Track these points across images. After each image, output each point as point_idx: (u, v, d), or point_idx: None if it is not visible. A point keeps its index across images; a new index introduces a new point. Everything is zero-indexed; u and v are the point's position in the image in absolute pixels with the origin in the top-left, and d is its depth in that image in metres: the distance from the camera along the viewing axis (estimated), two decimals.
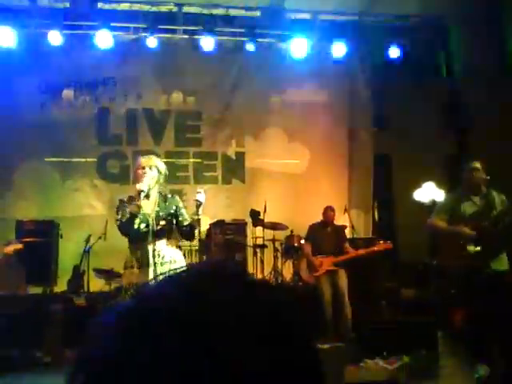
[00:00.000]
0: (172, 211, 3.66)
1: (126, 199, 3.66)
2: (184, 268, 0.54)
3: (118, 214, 3.63)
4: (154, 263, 3.53)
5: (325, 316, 5.77)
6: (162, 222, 3.61)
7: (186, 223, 3.66)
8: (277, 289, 0.55)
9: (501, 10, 8.66)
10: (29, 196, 7.52)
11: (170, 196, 3.75)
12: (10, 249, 5.72)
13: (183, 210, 3.73)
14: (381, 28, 8.08)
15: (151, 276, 3.48)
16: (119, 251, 7.36)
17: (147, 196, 3.61)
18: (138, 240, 3.57)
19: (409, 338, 5.00)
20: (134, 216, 3.53)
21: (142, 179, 3.59)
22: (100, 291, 6.06)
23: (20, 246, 5.73)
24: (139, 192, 3.55)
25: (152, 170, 3.64)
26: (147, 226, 3.56)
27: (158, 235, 3.58)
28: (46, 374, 5.03)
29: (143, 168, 3.63)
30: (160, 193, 3.72)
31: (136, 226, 3.54)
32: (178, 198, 3.79)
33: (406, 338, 4.99)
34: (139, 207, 3.56)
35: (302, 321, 0.52)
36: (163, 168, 3.74)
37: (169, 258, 3.59)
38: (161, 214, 3.62)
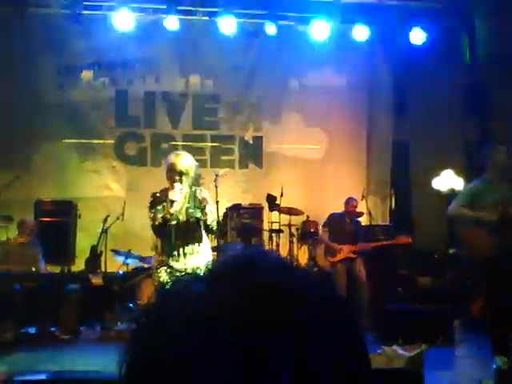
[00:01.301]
0: (202, 207, 3.72)
1: (158, 194, 3.75)
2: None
3: (150, 212, 3.74)
4: (184, 254, 3.68)
5: None
6: (192, 219, 3.71)
7: (209, 222, 3.72)
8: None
9: None
10: (47, 177, 7.57)
11: (199, 191, 3.82)
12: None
13: (209, 208, 3.76)
14: (404, 12, 7.90)
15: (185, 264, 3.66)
16: (137, 233, 7.48)
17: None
18: (169, 235, 3.70)
19: (425, 326, 4.97)
20: (166, 220, 3.66)
21: (175, 188, 3.65)
22: (117, 271, 6.11)
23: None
24: (172, 201, 3.64)
25: (187, 177, 3.71)
26: (177, 222, 3.69)
27: (188, 229, 3.71)
28: (63, 351, 5.12)
29: (179, 175, 3.66)
30: (190, 187, 3.78)
31: (167, 227, 3.68)
32: (206, 193, 3.86)
33: (422, 326, 4.95)
34: (171, 214, 3.66)
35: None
36: (195, 167, 3.81)
37: (197, 247, 3.73)
38: (190, 210, 3.71)
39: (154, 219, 3.70)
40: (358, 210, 6.73)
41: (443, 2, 7.98)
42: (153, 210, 3.72)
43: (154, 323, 0.46)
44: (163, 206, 3.70)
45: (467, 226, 4.06)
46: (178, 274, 3.64)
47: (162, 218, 3.65)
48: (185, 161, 3.75)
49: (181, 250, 3.68)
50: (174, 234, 3.68)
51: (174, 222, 3.67)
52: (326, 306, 0.47)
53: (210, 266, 3.68)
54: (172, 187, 3.68)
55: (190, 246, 3.71)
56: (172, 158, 3.79)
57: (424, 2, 8.01)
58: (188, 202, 3.72)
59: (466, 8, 8.31)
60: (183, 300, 0.46)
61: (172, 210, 3.65)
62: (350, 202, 6.25)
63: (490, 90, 8.20)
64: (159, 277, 3.75)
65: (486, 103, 8.17)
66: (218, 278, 0.47)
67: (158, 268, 3.80)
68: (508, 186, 4.01)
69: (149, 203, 3.79)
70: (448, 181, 7.89)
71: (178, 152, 4.01)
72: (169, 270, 3.70)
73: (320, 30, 7.72)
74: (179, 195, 3.66)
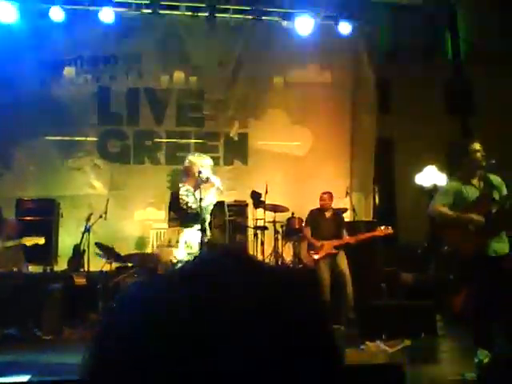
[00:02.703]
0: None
1: (188, 185, 4.03)
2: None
3: (187, 197, 3.99)
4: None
5: (324, 298, 5.79)
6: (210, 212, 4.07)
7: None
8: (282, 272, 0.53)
9: None
10: (29, 174, 7.47)
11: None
12: (31, 242, 5.71)
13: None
14: (388, 9, 7.94)
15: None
16: (120, 231, 7.42)
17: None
18: (188, 225, 3.94)
19: (408, 321, 5.01)
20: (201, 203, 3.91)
21: (206, 194, 4.00)
22: (100, 270, 6.05)
23: (42, 240, 5.72)
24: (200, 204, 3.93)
25: (214, 180, 4.03)
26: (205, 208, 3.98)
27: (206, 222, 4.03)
28: (46, 352, 5.05)
29: (207, 180, 4.00)
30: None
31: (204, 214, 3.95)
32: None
33: (405, 321, 5.00)
34: (203, 220, 3.95)
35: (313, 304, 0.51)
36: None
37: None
38: (210, 208, 4.07)
39: (190, 206, 4.00)
40: (341, 206, 6.75)
41: (427, 1, 8.04)
42: (189, 199, 4.02)
43: (107, 326, 0.48)
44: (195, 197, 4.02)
45: (450, 225, 4.09)
46: None
47: (200, 205, 3.92)
48: (208, 164, 4.22)
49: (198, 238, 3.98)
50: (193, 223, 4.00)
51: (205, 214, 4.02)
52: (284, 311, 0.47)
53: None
54: (201, 192, 3.99)
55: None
56: (200, 160, 4.21)
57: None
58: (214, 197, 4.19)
59: (449, 7, 8.39)
60: (133, 306, 0.47)
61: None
62: (322, 196, 6.28)
63: (472, 88, 8.30)
64: None
65: (469, 101, 8.27)
66: (173, 282, 0.48)
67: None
68: (484, 183, 4.05)
69: (183, 193, 4.06)
70: (431, 177, 7.97)
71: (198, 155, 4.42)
72: None
73: (304, 25, 7.72)
74: (209, 201, 4.11)
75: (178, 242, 3.93)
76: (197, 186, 4.02)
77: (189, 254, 3.93)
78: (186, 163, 4.22)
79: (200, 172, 4.00)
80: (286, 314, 0.46)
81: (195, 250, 3.95)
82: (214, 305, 0.44)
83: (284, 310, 0.46)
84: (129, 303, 0.48)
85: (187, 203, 3.96)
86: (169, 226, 4.16)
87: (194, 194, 3.99)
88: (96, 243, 5.97)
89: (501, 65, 8.29)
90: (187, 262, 0.55)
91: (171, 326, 0.44)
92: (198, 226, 3.97)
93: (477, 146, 4.07)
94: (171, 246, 3.95)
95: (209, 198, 4.06)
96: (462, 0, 8.39)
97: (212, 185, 4.06)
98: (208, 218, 4.07)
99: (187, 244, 3.95)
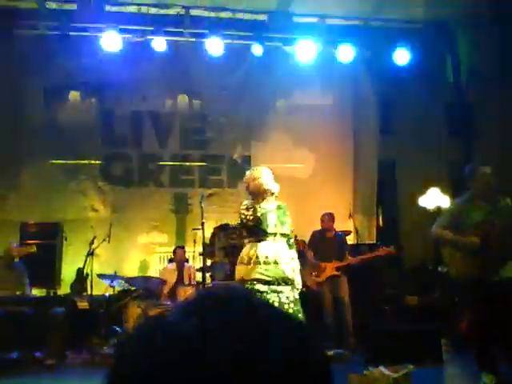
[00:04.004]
0: (286, 216, 4.04)
1: (249, 203, 4.00)
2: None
3: (248, 210, 3.93)
4: (275, 260, 3.87)
5: (326, 322, 5.75)
6: (284, 226, 3.97)
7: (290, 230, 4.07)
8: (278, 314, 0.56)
9: (508, 14, 8.63)
10: (33, 198, 7.52)
11: (280, 204, 4.09)
12: (22, 252, 5.73)
13: (289, 219, 4.08)
14: (388, 33, 8.05)
15: (277, 270, 3.85)
16: (123, 254, 7.43)
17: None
18: (264, 238, 3.89)
19: (413, 345, 4.96)
20: (265, 215, 3.88)
21: (266, 204, 3.96)
22: (103, 294, 6.05)
23: (33, 248, 5.74)
24: (272, 193, 3.95)
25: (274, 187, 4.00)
26: (275, 225, 3.91)
27: (281, 235, 3.94)
28: (49, 377, 5.03)
29: (272, 194, 3.97)
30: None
31: (266, 227, 3.88)
32: (285, 205, 4.13)
33: (410, 345, 4.95)
34: (267, 213, 3.90)
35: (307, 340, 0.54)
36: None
37: (287, 257, 3.95)
38: (281, 218, 3.98)
39: (251, 218, 3.89)
40: (345, 228, 6.74)
41: (425, 22, 8.15)
42: (249, 211, 3.92)
43: (125, 355, 0.51)
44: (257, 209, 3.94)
45: (449, 247, 4.09)
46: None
47: (259, 217, 3.86)
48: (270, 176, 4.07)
49: (273, 254, 3.88)
50: (267, 238, 3.89)
51: (270, 228, 3.90)
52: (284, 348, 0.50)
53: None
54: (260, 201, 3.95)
55: (281, 253, 3.92)
56: (259, 171, 4.11)
57: (408, 22, 8.17)
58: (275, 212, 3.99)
59: (448, 27, 8.49)
60: (150, 338, 0.51)
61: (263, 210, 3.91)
62: (323, 217, 6.27)
63: (474, 108, 8.34)
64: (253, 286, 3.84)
65: (470, 122, 8.31)
66: (183, 318, 0.52)
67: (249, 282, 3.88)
68: (491, 207, 4.04)
69: (242, 206, 4.00)
70: (434, 199, 7.96)
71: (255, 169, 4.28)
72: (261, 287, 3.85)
73: (306, 50, 7.83)
74: (277, 188, 3.96)
75: (257, 257, 3.88)
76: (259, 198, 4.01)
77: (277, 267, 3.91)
78: (248, 178, 4.13)
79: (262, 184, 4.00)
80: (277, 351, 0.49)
81: (280, 261, 3.93)
82: (218, 342, 0.48)
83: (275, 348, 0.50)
84: (140, 337, 0.52)
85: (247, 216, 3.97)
86: (244, 245, 4.12)
87: (255, 207, 3.97)
88: (98, 275, 5.98)
89: (501, 86, 8.36)
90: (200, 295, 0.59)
91: (181, 360, 0.47)
92: (271, 238, 3.94)
93: (487, 169, 4.07)
94: (250, 264, 3.92)
95: (270, 207, 4.04)
96: (462, 23, 8.50)
97: (272, 193, 4.04)
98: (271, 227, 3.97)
99: (269, 258, 3.90)
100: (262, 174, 4.06)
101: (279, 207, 4.04)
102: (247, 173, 4.21)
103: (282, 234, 3.96)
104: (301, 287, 4.05)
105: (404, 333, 5.20)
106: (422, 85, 8.07)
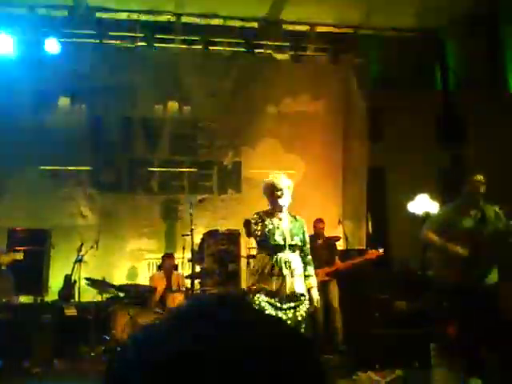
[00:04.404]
0: (302, 230, 3.96)
1: (261, 213, 3.92)
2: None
3: (257, 225, 3.86)
4: (284, 274, 3.81)
5: (317, 328, 5.74)
6: (296, 238, 3.89)
7: (307, 246, 4.00)
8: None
9: (495, 25, 8.75)
10: (21, 204, 7.44)
11: (297, 217, 4.02)
12: (9, 259, 5.68)
13: (307, 235, 4.01)
14: (377, 40, 8.13)
15: (285, 284, 3.79)
16: (111, 261, 7.38)
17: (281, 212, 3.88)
18: (274, 252, 3.82)
19: (402, 350, 4.97)
20: (273, 230, 3.81)
21: (283, 197, 3.85)
22: (91, 301, 6.00)
23: (21, 255, 5.69)
24: (281, 207, 3.83)
25: (289, 190, 3.91)
26: (284, 239, 3.83)
27: (291, 249, 3.86)
28: None
29: (281, 190, 3.86)
30: (289, 212, 3.98)
31: (273, 241, 3.81)
32: (303, 220, 4.04)
33: (399, 350, 4.96)
34: (277, 226, 3.83)
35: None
36: (291, 187, 3.98)
37: (299, 270, 3.88)
38: (294, 230, 3.90)
39: (260, 232, 3.84)
40: (334, 234, 6.75)
41: (413, 30, 8.24)
42: (257, 225, 3.86)
43: (118, 367, 0.51)
44: (267, 216, 3.87)
45: (437, 252, 4.12)
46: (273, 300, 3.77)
47: (269, 229, 3.81)
48: (284, 179, 3.95)
49: (283, 265, 3.81)
50: (279, 250, 3.83)
51: (280, 239, 3.83)
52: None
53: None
54: (275, 205, 3.85)
55: (292, 264, 3.86)
56: (274, 180, 3.96)
57: (397, 31, 8.25)
58: (291, 223, 3.92)
59: (436, 36, 8.59)
60: (144, 349, 0.51)
61: (278, 218, 3.85)
62: (316, 223, 6.32)
63: (462, 116, 8.43)
64: (256, 301, 3.79)
65: (459, 129, 8.39)
66: (177, 329, 0.52)
67: (255, 292, 3.84)
68: (481, 215, 4.06)
69: (252, 220, 3.93)
70: (423, 205, 8.01)
71: (276, 173, 4.21)
72: (266, 299, 3.79)
73: (294, 57, 7.89)
74: (287, 201, 3.87)
75: (263, 269, 3.86)
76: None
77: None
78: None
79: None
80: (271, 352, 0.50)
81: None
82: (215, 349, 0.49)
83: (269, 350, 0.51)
84: (135, 346, 0.52)
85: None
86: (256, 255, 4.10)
87: (264, 223, 3.93)
88: (86, 278, 5.94)
89: (489, 94, 8.45)
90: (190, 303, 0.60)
91: (175, 368, 0.48)
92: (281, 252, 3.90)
93: (478, 177, 4.10)
94: (256, 274, 3.92)
95: (276, 222, 3.97)
96: (450, 31, 8.60)
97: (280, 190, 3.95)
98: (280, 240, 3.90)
99: (275, 271, 3.86)
100: (273, 177, 4.01)
101: (295, 219, 3.97)
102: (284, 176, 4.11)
103: (291, 246, 3.88)
104: (315, 304, 3.96)
105: (393, 338, 5.21)
106: (412, 92, 8.15)
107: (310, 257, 4.02)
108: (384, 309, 6.38)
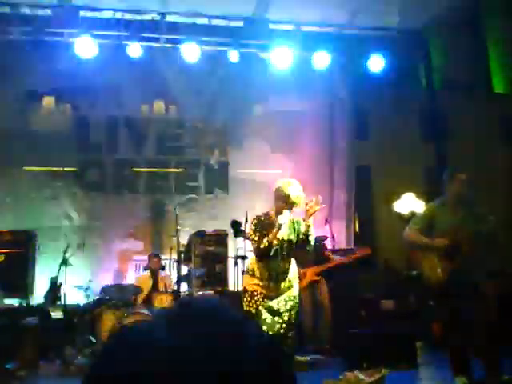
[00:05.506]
0: (301, 236, 3.89)
1: (262, 217, 3.85)
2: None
3: (255, 234, 3.81)
4: (281, 278, 3.84)
5: (304, 328, 5.76)
6: (292, 246, 3.88)
7: (310, 248, 3.96)
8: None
9: (480, 24, 8.84)
10: (5, 205, 7.37)
11: (297, 221, 3.93)
12: None
13: (311, 237, 3.92)
14: (363, 40, 8.16)
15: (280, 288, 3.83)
16: (98, 263, 7.32)
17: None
18: (270, 259, 3.81)
19: (388, 349, 5.01)
20: (272, 245, 3.76)
21: (285, 213, 3.76)
22: (77, 304, 5.95)
23: (1, 257, 5.63)
24: (280, 225, 3.74)
25: (296, 206, 3.83)
26: (281, 247, 3.82)
27: (288, 255, 3.87)
28: None
29: (292, 204, 3.78)
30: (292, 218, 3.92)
31: (272, 253, 3.78)
32: (304, 223, 3.93)
33: (385, 349, 4.99)
34: (278, 238, 3.77)
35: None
36: (299, 195, 3.86)
37: (292, 274, 3.92)
38: (291, 237, 3.86)
39: (259, 242, 3.77)
40: (321, 234, 6.77)
41: (399, 30, 8.29)
42: (257, 233, 3.81)
43: (102, 368, 0.52)
44: (267, 219, 3.81)
45: (419, 250, 4.16)
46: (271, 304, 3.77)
47: (268, 242, 3.75)
48: (296, 190, 3.84)
49: (279, 271, 3.82)
50: (275, 257, 3.80)
51: (277, 248, 3.79)
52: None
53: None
54: (280, 212, 3.77)
55: (287, 270, 3.87)
56: (284, 186, 3.86)
57: (382, 30, 8.30)
58: (289, 229, 3.86)
59: (421, 35, 8.66)
60: (130, 348, 0.52)
61: (279, 235, 3.78)
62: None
63: (447, 114, 8.51)
64: (251, 305, 3.78)
65: (444, 128, 8.47)
66: (167, 329, 0.54)
67: (252, 295, 3.82)
68: (464, 213, 4.11)
69: (253, 226, 3.86)
70: (409, 204, 8.07)
71: (290, 181, 4.01)
72: (264, 302, 3.78)
73: (282, 57, 7.87)
74: (287, 219, 3.77)
75: (256, 271, 3.88)
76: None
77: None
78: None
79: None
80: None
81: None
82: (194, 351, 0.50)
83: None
84: (118, 346, 0.53)
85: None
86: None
87: (265, 237, 3.90)
88: (75, 286, 5.90)
89: (473, 93, 8.55)
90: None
91: (156, 367, 0.49)
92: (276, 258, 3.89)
93: (462, 176, 4.14)
94: (249, 274, 3.95)
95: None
96: (435, 32, 8.68)
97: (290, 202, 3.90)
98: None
99: (267, 274, 3.87)
100: (283, 183, 3.92)
101: (297, 223, 3.93)
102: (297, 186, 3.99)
103: (288, 254, 3.87)
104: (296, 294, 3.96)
105: (379, 337, 5.24)
106: (397, 91, 8.20)
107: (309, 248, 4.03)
108: (370, 308, 6.42)
